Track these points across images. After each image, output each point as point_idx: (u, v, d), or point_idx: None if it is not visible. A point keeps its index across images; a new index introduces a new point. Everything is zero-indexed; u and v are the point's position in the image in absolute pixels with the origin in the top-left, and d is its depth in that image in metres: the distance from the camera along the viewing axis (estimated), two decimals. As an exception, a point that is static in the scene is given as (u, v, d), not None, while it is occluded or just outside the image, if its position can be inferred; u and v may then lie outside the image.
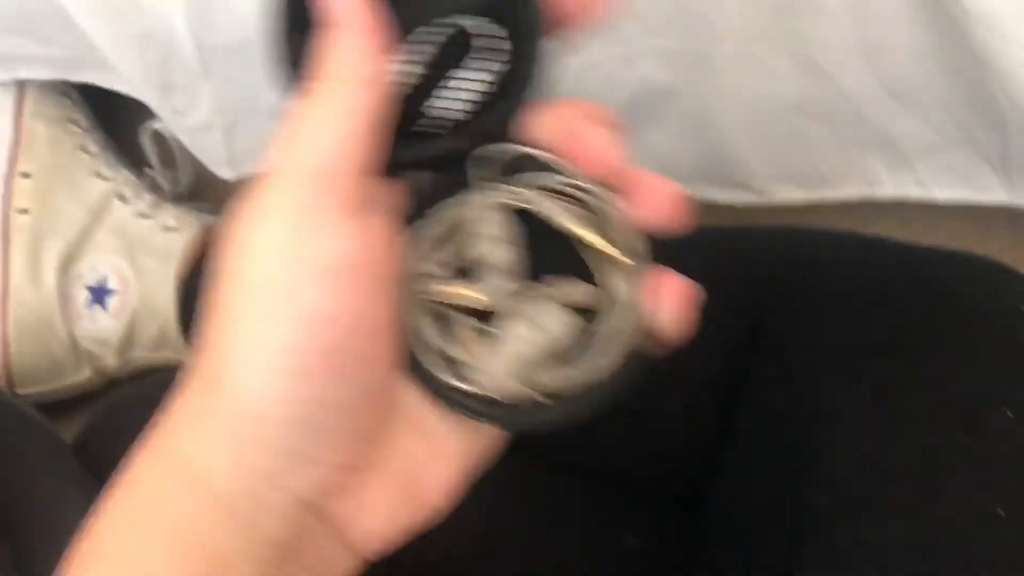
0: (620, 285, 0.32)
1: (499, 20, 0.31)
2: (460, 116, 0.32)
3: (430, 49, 0.31)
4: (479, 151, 0.32)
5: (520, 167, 0.32)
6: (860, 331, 0.44)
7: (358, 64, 0.29)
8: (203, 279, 0.65)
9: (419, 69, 0.31)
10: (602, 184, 0.32)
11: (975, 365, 0.43)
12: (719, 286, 0.49)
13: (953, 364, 0.42)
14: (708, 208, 0.70)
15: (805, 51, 0.52)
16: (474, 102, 0.32)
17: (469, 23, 0.31)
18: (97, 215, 0.66)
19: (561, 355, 0.31)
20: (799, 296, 0.46)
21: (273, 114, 0.61)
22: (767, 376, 0.46)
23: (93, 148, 0.69)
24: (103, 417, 0.56)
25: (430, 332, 0.32)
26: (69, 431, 0.55)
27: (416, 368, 0.31)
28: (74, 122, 0.69)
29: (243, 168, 0.64)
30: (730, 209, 0.71)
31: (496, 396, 0.31)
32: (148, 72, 0.58)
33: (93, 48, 0.60)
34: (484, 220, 0.32)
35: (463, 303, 0.32)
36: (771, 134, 0.57)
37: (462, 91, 0.32)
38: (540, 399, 0.31)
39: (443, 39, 0.31)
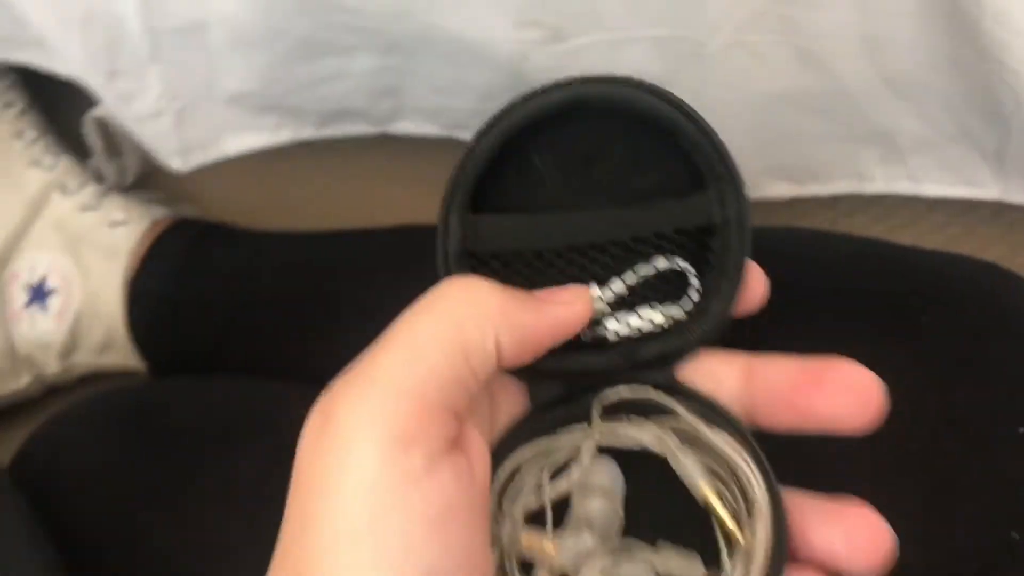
0: (736, 571, 0.29)
1: (700, 263, 0.30)
2: (627, 337, 0.31)
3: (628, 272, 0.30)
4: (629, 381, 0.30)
5: (655, 410, 0.30)
6: (864, 340, 0.42)
7: (516, 332, 0.27)
8: (153, 279, 0.60)
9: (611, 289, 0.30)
10: (759, 459, 0.29)
11: (986, 380, 0.42)
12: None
13: (963, 379, 0.41)
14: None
15: (803, 41, 0.49)
16: (648, 331, 0.31)
17: (664, 263, 0.30)
18: (36, 208, 0.61)
19: None
20: (799, 301, 0.44)
21: (229, 100, 0.57)
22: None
23: (31, 134, 0.63)
24: (44, 431, 0.52)
25: (506, 570, 0.29)
26: (4, 443, 0.51)
27: None
28: (9, 106, 0.64)
29: (196, 159, 0.60)
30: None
31: None
32: (91, 55, 0.53)
33: (29, 26, 0.55)
34: (594, 470, 0.30)
35: (543, 559, 0.29)
36: (763, 127, 0.55)
37: (642, 319, 0.31)
38: None
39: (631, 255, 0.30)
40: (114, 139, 0.63)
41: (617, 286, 0.31)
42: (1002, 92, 0.49)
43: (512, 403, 0.32)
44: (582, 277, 0.31)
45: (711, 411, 0.30)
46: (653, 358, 0.30)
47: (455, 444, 0.26)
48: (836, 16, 0.47)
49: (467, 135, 0.59)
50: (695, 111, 0.29)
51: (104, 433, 0.49)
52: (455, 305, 0.27)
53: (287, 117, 0.60)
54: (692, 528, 0.30)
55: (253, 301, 0.58)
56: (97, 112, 0.60)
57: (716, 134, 0.29)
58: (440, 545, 0.24)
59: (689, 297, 0.31)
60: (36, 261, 0.60)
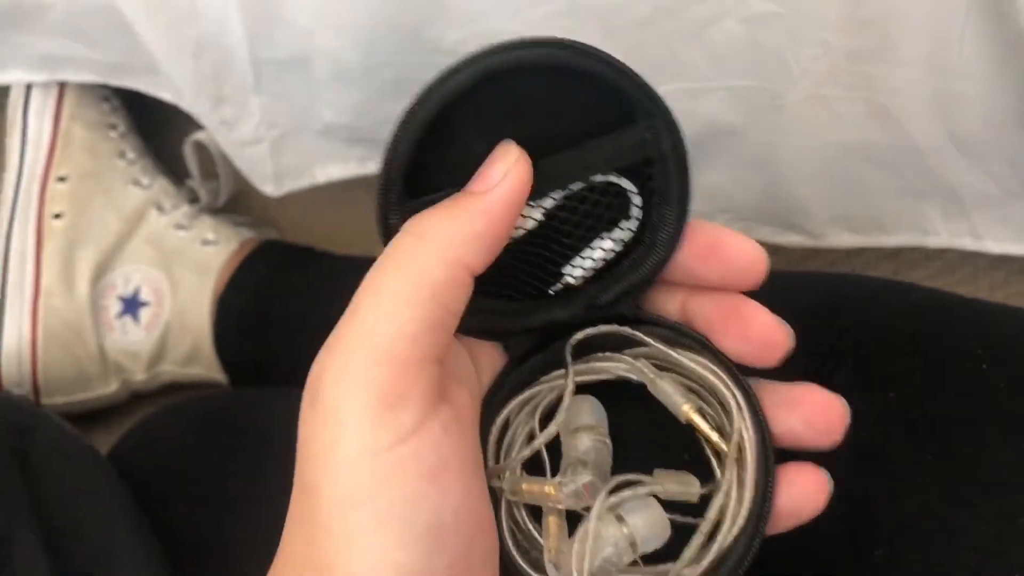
0: (726, 480, 0.30)
1: (639, 185, 0.30)
2: (589, 279, 0.31)
3: (563, 209, 0.30)
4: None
5: (626, 344, 0.32)
6: (931, 388, 0.43)
7: (460, 249, 0.27)
8: (240, 295, 0.63)
9: (547, 227, 0.30)
10: (732, 371, 0.31)
11: None
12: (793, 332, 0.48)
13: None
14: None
15: (876, 96, 0.51)
16: (601, 268, 0.31)
17: (603, 180, 0.30)
18: (133, 224, 0.65)
19: (656, 549, 0.30)
20: (865, 346, 0.45)
21: (322, 131, 0.60)
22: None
23: (131, 155, 0.67)
24: (140, 430, 0.54)
25: (516, 518, 0.31)
26: (94, 443, 0.54)
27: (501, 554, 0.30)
28: (113, 127, 0.68)
29: (287, 185, 0.63)
30: (776, 250, 0.70)
31: None
32: (199, 82, 0.57)
33: (141, 54, 0.59)
34: (576, 409, 0.32)
35: (547, 503, 0.30)
36: (832, 178, 0.57)
37: (595, 252, 0.31)
38: None
39: (580, 202, 0.30)
40: (210, 163, 0.67)
41: (568, 230, 0.31)
42: (1067, 152, 0.51)
43: (493, 360, 0.33)
44: (534, 233, 0.31)
45: (679, 334, 0.31)
46: (616, 296, 0.31)
47: (441, 396, 0.27)
48: (910, 74, 0.49)
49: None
50: (610, 55, 0.28)
51: (194, 434, 0.52)
52: (412, 253, 0.27)
53: (373, 150, 0.63)
54: (680, 449, 0.32)
55: (331, 320, 0.60)
56: (198, 136, 0.64)
57: (636, 73, 0.29)
58: (437, 498, 0.25)
59: (638, 221, 0.31)
60: (131, 274, 0.64)
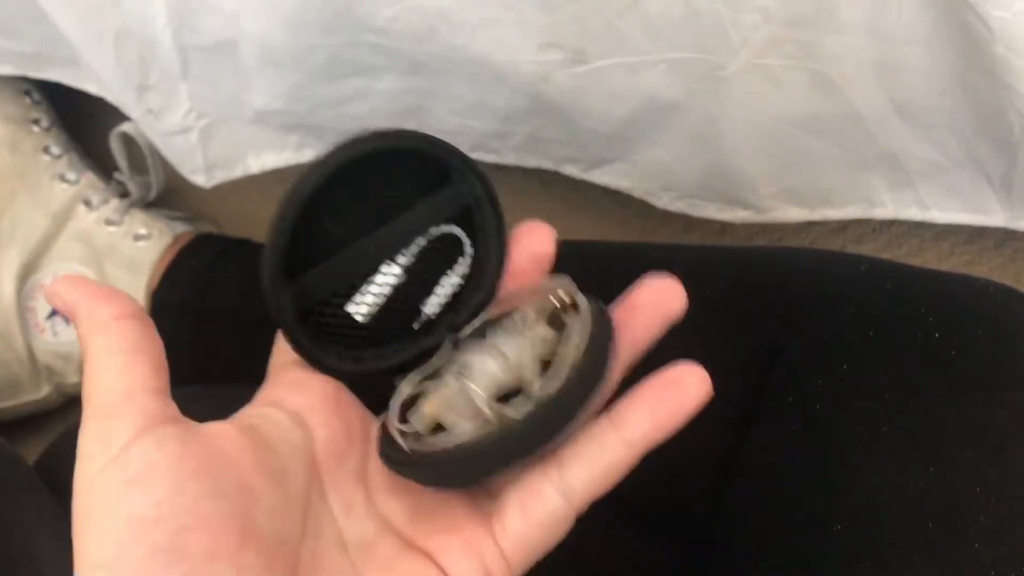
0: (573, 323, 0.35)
1: (466, 228, 0.38)
2: (442, 311, 0.38)
3: (413, 261, 0.37)
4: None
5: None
6: (883, 358, 0.42)
7: (94, 316, 0.31)
8: (174, 291, 0.61)
9: (404, 278, 0.37)
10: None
11: (1002, 396, 0.42)
12: (735, 311, 0.47)
13: (980, 394, 0.41)
14: (701, 225, 0.69)
15: (818, 65, 0.50)
16: (451, 299, 0.38)
17: (437, 231, 0.37)
18: (60, 221, 0.62)
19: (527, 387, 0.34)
20: (818, 320, 0.45)
21: (254, 118, 0.58)
22: (784, 403, 0.44)
23: (56, 149, 0.65)
24: (66, 440, 0.52)
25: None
26: (25, 451, 0.52)
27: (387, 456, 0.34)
28: (35, 122, 0.65)
29: (219, 175, 0.61)
30: (723, 227, 0.69)
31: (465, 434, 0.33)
32: (123, 71, 0.55)
33: (61, 44, 0.56)
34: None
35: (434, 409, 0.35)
36: (776, 151, 0.56)
37: (445, 287, 0.38)
38: (511, 423, 0.32)
39: (426, 252, 0.37)
40: (138, 156, 0.64)
41: (421, 276, 0.38)
42: (1010, 118, 0.50)
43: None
44: (397, 286, 0.37)
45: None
46: (467, 318, 0.38)
47: (163, 419, 0.30)
48: (851, 41, 0.49)
49: (486, 156, 0.61)
50: (426, 134, 0.36)
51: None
52: (93, 347, 0.31)
53: (310, 137, 0.61)
54: None
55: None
56: (124, 128, 0.62)
57: (444, 142, 0.36)
58: (139, 496, 0.28)
59: (471, 256, 0.38)
60: (60, 272, 0.61)
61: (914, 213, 0.61)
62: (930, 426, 0.40)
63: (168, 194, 0.68)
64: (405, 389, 0.36)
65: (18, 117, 0.64)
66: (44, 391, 0.62)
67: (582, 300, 0.35)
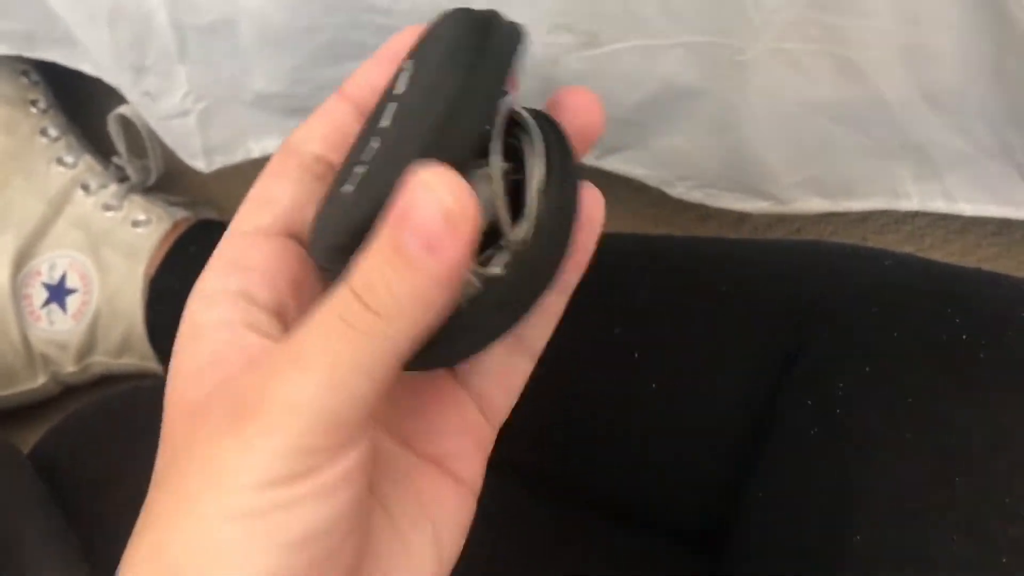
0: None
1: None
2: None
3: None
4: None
5: None
6: (907, 359, 0.40)
7: (413, 298, 0.23)
8: (173, 278, 0.60)
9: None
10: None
11: None
12: (753, 308, 0.45)
13: (1010, 399, 0.40)
14: (718, 215, 0.67)
15: (843, 50, 0.48)
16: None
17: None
18: (57, 206, 0.60)
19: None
20: (839, 320, 0.43)
21: (254, 102, 0.56)
22: (802, 405, 0.42)
23: (53, 132, 0.63)
24: (61, 429, 0.51)
25: None
26: (21, 441, 0.50)
27: None
28: (32, 103, 0.64)
29: (219, 160, 0.59)
30: (741, 218, 0.67)
31: None
32: (118, 52, 0.53)
33: (57, 23, 0.55)
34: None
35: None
36: (798, 140, 0.54)
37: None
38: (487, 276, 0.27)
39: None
40: (137, 139, 0.63)
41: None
42: (1045, 107, 0.48)
43: None
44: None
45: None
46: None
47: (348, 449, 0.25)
48: (879, 25, 0.46)
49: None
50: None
51: (121, 431, 0.49)
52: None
53: (313, 120, 0.59)
54: None
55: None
56: (121, 110, 0.60)
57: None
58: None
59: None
60: (56, 259, 0.60)
61: (940, 205, 0.58)
62: (956, 431, 0.38)
63: (168, 178, 0.66)
64: None
65: (15, 98, 0.63)
66: (39, 380, 0.61)
67: (530, 122, 0.29)
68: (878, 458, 0.38)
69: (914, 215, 0.69)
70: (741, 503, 0.44)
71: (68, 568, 0.43)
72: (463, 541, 0.30)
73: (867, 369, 0.41)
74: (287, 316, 0.28)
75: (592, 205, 0.30)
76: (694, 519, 0.47)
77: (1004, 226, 0.67)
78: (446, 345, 0.27)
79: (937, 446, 0.38)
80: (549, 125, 0.29)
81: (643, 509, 0.48)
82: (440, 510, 0.30)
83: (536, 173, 0.28)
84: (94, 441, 0.49)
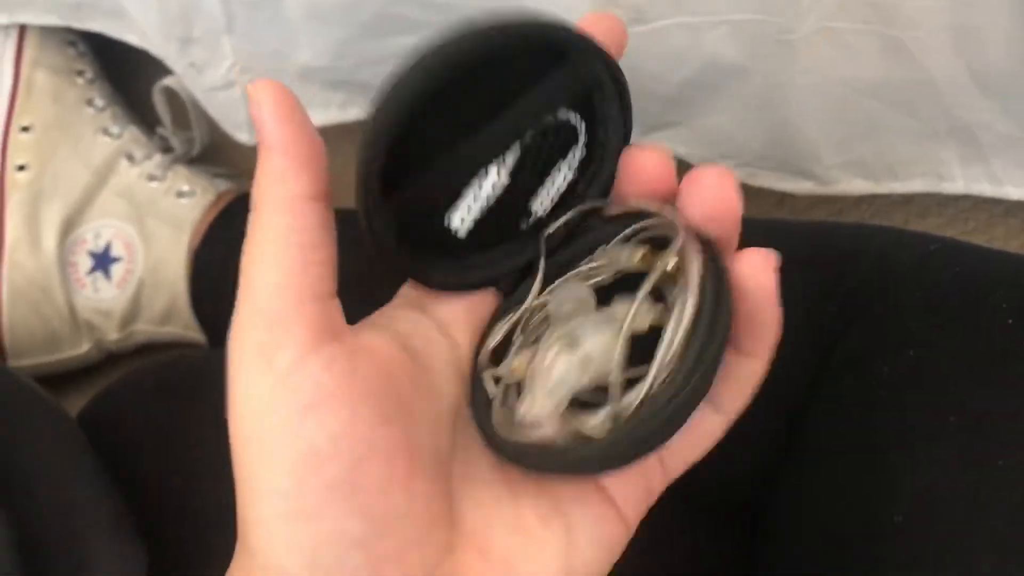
0: (681, 292, 0.29)
1: (582, 112, 0.32)
2: (553, 210, 0.33)
3: (521, 157, 0.32)
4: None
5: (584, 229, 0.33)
6: (951, 345, 0.40)
7: (283, 187, 0.28)
8: (216, 249, 0.60)
9: (511, 177, 0.32)
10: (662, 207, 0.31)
11: None
12: (794, 291, 0.45)
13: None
14: (758, 195, 0.66)
15: (890, 30, 0.48)
16: (563, 194, 0.33)
17: (550, 120, 0.32)
18: (102, 175, 0.61)
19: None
20: (882, 304, 0.43)
21: (299, 75, 0.57)
22: (843, 388, 0.42)
23: (100, 102, 0.63)
24: (108, 394, 0.52)
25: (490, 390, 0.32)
26: (65, 406, 0.51)
27: (483, 430, 0.31)
28: (80, 73, 0.64)
29: (263, 132, 0.59)
30: (781, 198, 0.67)
31: (544, 437, 0.29)
32: (165, 23, 0.53)
33: (105, -7, 0.55)
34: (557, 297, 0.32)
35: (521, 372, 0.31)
36: (842, 120, 0.53)
37: (556, 180, 0.33)
38: (586, 434, 0.28)
39: (537, 145, 0.32)
40: (182, 111, 0.63)
41: (528, 173, 0.33)
42: (1097, 90, 0.47)
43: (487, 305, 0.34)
44: (505, 188, 0.33)
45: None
46: (580, 216, 0.33)
47: (329, 334, 0.28)
48: (928, 4, 0.46)
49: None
50: (525, 14, 0.29)
51: (163, 399, 0.49)
52: (253, 223, 0.29)
53: (355, 95, 0.60)
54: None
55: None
56: (167, 82, 0.60)
57: (555, 19, 0.30)
58: (315, 427, 0.27)
59: (586, 147, 0.33)
60: (101, 228, 0.60)
61: (986, 188, 0.58)
62: (1000, 418, 0.37)
63: (212, 150, 0.67)
64: (499, 333, 0.32)
65: (62, 68, 0.63)
66: (84, 347, 0.62)
67: (693, 265, 0.29)
68: (920, 441, 0.38)
69: (957, 198, 0.68)
70: (780, 480, 0.44)
71: (121, 541, 0.43)
72: (607, 559, 0.31)
73: (911, 353, 0.40)
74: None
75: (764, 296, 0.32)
76: (734, 493, 0.47)
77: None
78: (571, 467, 0.29)
79: (980, 430, 0.37)
80: (713, 271, 0.29)
81: (681, 482, 0.48)
82: (578, 512, 0.31)
83: (667, 338, 0.28)
84: (144, 406, 0.50)
